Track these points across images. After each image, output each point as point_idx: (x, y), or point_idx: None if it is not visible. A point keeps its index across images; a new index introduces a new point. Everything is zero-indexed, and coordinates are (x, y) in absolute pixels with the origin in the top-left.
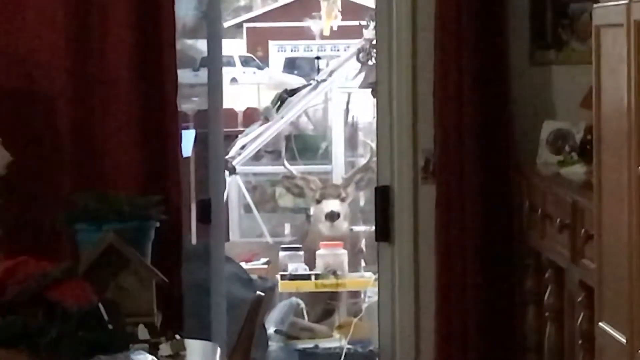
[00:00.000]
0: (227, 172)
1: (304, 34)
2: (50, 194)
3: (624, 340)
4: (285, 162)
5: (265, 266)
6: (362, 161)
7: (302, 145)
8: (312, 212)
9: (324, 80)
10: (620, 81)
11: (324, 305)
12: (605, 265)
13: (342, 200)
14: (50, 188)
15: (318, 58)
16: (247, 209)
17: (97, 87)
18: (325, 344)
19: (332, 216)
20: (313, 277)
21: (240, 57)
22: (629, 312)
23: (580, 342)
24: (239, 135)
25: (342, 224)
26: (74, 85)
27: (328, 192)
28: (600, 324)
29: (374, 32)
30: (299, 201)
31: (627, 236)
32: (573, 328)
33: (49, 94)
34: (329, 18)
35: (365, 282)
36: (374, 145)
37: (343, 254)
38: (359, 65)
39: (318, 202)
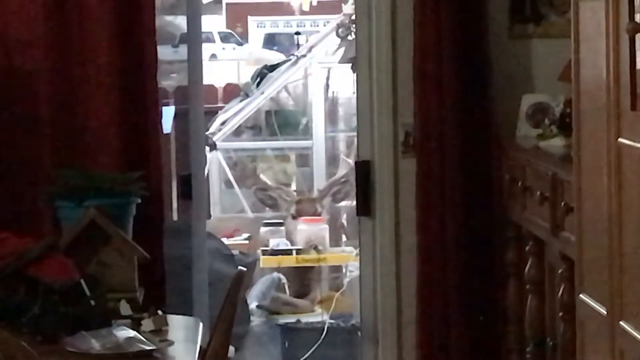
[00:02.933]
0: (207, 148)
1: (284, 10)
2: (31, 171)
3: (605, 312)
4: (262, 175)
5: (247, 241)
6: (341, 172)
7: (283, 120)
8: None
9: (304, 56)
10: (598, 54)
11: (306, 281)
12: (585, 238)
13: (319, 215)
14: (30, 165)
15: (297, 33)
16: (228, 184)
17: (76, 63)
18: (307, 318)
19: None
20: (294, 252)
21: (219, 33)
22: (609, 284)
23: (561, 314)
24: (219, 111)
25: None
26: (53, 61)
27: (304, 208)
28: (580, 295)
29: (353, 7)
30: (280, 176)
31: (606, 208)
32: (554, 300)
33: (28, 70)
34: None
35: (346, 256)
36: (351, 161)
37: (324, 229)
38: (339, 40)
39: (294, 217)
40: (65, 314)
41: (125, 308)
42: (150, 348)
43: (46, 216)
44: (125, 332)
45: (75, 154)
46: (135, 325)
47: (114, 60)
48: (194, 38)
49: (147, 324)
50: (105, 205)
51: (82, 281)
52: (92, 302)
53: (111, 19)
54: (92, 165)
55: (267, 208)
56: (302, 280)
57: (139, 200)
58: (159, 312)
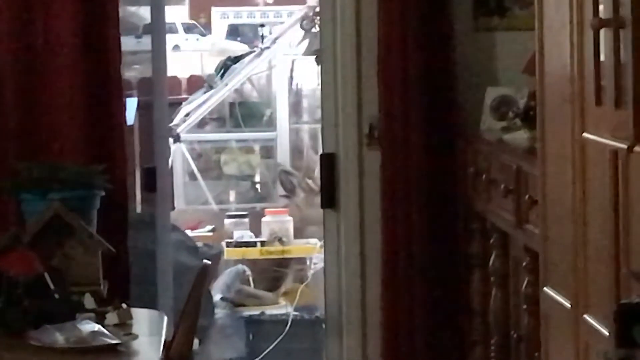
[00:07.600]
0: (171, 140)
1: (247, 1)
2: None
3: (569, 305)
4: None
5: (211, 233)
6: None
7: (247, 112)
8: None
9: (268, 48)
10: (562, 48)
11: (272, 273)
12: (549, 231)
13: None
14: None
15: (262, 25)
16: (192, 176)
17: (40, 55)
18: (271, 310)
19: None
20: (259, 244)
21: (183, 24)
22: (573, 277)
23: (525, 306)
24: (183, 103)
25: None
26: (16, 53)
27: None
28: (544, 288)
29: None
30: (244, 168)
31: (570, 201)
32: (518, 292)
33: None
34: None
35: (310, 248)
36: None
37: (289, 220)
38: (303, 32)
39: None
40: (29, 308)
41: (89, 301)
42: (114, 342)
43: (10, 209)
44: (89, 326)
45: (38, 146)
46: (100, 319)
47: (77, 51)
48: (157, 29)
49: (111, 317)
50: (69, 198)
51: (46, 274)
52: (56, 296)
53: (74, 9)
54: (56, 158)
55: (285, 191)
56: (268, 272)
57: (103, 193)
58: (124, 305)
